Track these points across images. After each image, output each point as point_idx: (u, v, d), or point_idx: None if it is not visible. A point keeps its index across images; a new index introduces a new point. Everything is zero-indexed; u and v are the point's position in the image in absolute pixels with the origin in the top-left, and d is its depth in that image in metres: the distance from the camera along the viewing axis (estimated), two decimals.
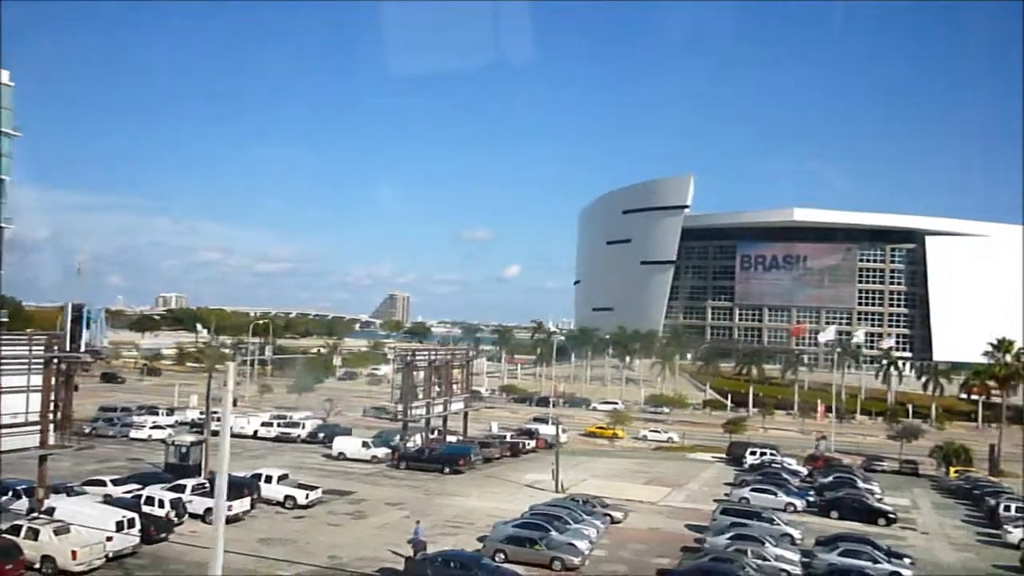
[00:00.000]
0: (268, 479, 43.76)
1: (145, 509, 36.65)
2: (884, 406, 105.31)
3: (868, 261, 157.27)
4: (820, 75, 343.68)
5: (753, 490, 49.42)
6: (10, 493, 37.27)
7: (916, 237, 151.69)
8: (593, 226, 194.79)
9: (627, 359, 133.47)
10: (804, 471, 61.82)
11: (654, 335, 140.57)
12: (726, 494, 51.49)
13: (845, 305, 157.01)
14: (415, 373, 60.23)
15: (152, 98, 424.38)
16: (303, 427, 69.33)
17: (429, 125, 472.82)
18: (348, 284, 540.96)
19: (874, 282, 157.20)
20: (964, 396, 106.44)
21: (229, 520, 39.33)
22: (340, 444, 60.49)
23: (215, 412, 76.85)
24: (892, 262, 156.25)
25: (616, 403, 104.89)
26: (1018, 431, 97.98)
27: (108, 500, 37.44)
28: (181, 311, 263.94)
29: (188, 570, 31.85)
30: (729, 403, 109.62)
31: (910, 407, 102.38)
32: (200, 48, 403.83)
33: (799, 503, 48.64)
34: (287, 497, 42.88)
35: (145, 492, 38.24)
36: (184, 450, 47.27)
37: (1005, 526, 44.41)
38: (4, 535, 30.19)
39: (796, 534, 40.22)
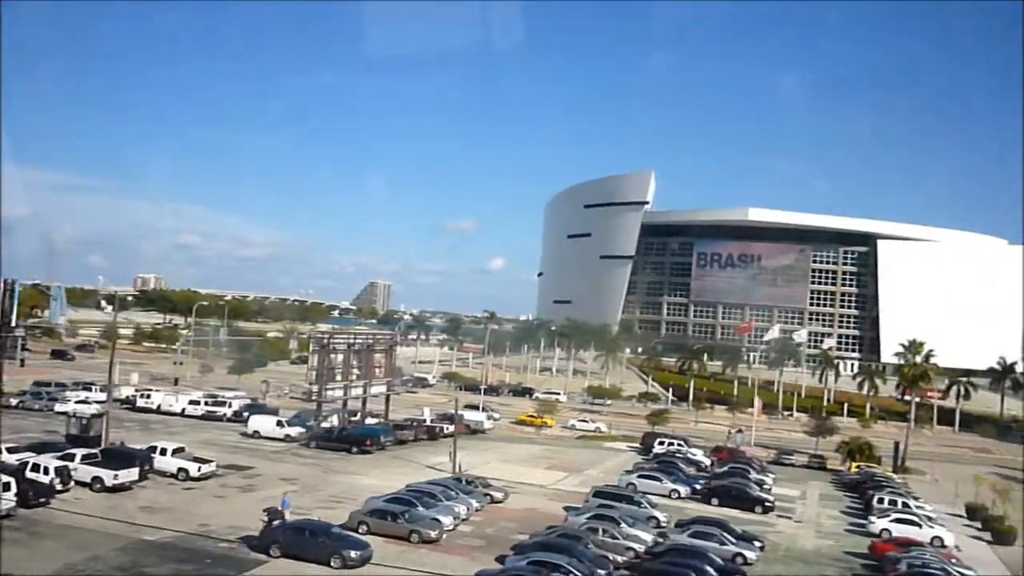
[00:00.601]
0: (164, 452, 45.22)
1: (30, 475, 38.08)
2: (823, 404, 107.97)
3: (821, 262, 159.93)
4: (793, 78, 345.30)
5: (641, 476, 51.60)
6: None
7: (869, 240, 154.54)
8: (556, 219, 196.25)
9: (573, 351, 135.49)
10: (707, 462, 64.08)
11: (605, 328, 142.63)
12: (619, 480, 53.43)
13: (797, 305, 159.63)
14: (332, 356, 61.71)
15: (138, 81, 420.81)
16: (229, 406, 70.64)
17: (416, 114, 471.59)
18: (333, 272, 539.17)
19: (826, 283, 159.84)
20: (898, 397, 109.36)
21: (116, 489, 41.05)
22: (255, 423, 61.57)
23: (148, 389, 78.44)
24: (845, 264, 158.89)
25: (559, 393, 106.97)
26: (948, 431, 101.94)
27: None
28: (155, 292, 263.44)
29: (54, 532, 33.41)
30: (670, 396, 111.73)
31: (846, 406, 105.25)
32: (185, 33, 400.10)
33: (683, 490, 50.83)
34: (180, 469, 44.36)
35: (32, 459, 39.50)
36: (84, 422, 48.47)
37: (870, 516, 46.68)
38: None
39: (662, 517, 42.42)
